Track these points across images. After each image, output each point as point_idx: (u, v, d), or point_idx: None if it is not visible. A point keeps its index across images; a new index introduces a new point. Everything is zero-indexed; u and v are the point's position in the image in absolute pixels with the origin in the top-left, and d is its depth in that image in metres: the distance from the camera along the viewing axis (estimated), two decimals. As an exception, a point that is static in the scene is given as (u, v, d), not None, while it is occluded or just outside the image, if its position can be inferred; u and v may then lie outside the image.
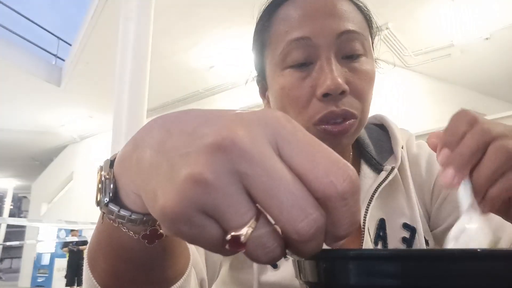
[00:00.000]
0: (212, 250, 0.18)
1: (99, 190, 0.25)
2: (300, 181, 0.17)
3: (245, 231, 0.17)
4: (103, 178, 0.25)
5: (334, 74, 0.46)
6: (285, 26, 0.50)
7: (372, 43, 0.55)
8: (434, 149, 0.34)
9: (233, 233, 0.17)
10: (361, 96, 0.49)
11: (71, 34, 7.29)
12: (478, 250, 0.17)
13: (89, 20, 5.40)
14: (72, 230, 7.10)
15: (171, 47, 5.68)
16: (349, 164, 0.17)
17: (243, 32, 5.19)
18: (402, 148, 0.58)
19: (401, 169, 0.57)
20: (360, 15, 0.52)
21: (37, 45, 7.88)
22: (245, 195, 0.17)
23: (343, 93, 0.46)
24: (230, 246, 0.17)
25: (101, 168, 0.26)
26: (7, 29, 7.13)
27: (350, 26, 0.48)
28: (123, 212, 0.24)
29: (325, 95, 0.46)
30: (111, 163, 0.25)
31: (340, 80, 0.46)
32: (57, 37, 8.67)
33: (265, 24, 0.54)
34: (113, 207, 0.24)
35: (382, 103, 5.15)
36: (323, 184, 0.17)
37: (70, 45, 7.07)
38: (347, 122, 0.47)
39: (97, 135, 9.55)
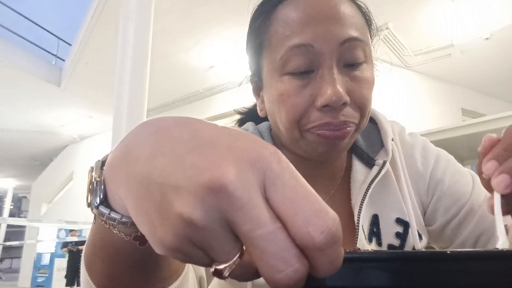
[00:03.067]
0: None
1: (90, 191, 0.25)
2: (285, 231, 0.17)
3: (227, 267, 0.18)
4: (93, 180, 0.25)
5: (336, 85, 0.44)
6: (285, 29, 0.48)
7: (371, 43, 0.54)
8: (484, 152, 0.35)
9: (216, 267, 0.18)
10: (361, 105, 0.48)
11: (72, 34, 7.29)
12: (469, 250, 0.17)
13: (89, 20, 5.40)
14: (71, 230, 7.10)
15: (171, 47, 5.68)
16: (332, 214, 0.17)
17: (243, 32, 5.18)
18: (392, 140, 0.57)
19: (392, 162, 0.56)
20: (361, 17, 0.50)
21: (37, 45, 7.89)
22: (231, 235, 0.18)
23: (343, 104, 0.45)
24: (214, 275, 0.19)
25: (92, 169, 0.26)
26: (7, 29, 7.14)
27: (353, 33, 0.47)
28: (113, 215, 0.24)
29: (325, 106, 0.45)
30: (102, 164, 0.25)
31: (342, 92, 0.44)
32: (57, 37, 8.68)
33: (263, 24, 0.52)
34: (103, 210, 0.24)
35: (382, 103, 5.15)
36: (301, 234, 0.17)
37: (70, 45, 7.08)
38: (346, 129, 0.46)
39: (97, 135, 9.55)
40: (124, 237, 0.26)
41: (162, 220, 0.18)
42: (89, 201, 0.25)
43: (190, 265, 0.37)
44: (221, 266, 0.18)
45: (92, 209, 0.25)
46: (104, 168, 0.25)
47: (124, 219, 0.24)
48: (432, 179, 0.57)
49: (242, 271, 0.19)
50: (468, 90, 6.23)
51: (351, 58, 0.47)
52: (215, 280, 0.55)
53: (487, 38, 4.83)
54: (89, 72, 6.54)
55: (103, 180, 0.24)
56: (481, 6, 4.37)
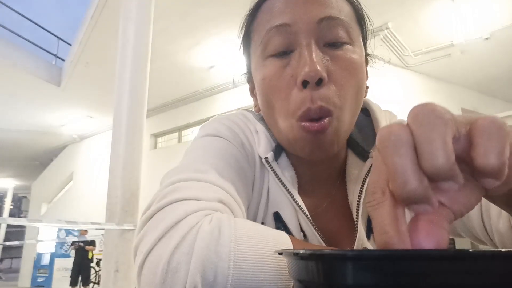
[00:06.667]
0: None
1: None
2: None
3: None
4: None
5: (313, 60, 0.43)
6: (267, 16, 0.49)
7: (365, 43, 0.52)
8: None
9: None
10: (342, 87, 0.45)
11: (72, 34, 7.30)
12: (470, 250, 0.17)
13: (89, 20, 5.41)
14: (81, 230, 7.08)
15: (171, 47, 5.69)
16: None
17: (243, 32, 5.19)
18: None
19: None
20: (348, 7, 0.49)
21: (37, 45, 7.90)
22: None
23: (321, 81, 0.43)
24: None
25: None
26: (7, 29, 7.14)
27: (333, 13, 0.46)
28: None
29: (304, 83, 0.44)
30: None
31: (318, 67, 0.43)
32: (57, 37, 8.68)
33: (250, 18, 0.53)
34: None
35: (382, 103, 5.14)
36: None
37: (70, 45, 7.08)
38: (323, 121, 0.44)
39: (97, 135, 9.56)
40: None
41: None
42: None
43: None
44: None
45: None
46: None
47: None
48: None
49: None
50: (468, 90, 6.23)
51: (331, 37, 0.46)
52: None
53: (487, 38, 4.83)
54: (89, 72, 6.55)
55: None
56: (481, 6, 4.37)
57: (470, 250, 0.17)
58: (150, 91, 3.58)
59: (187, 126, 7.96)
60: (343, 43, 0.46)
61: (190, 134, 7.98)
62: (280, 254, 0.26)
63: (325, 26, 0.46)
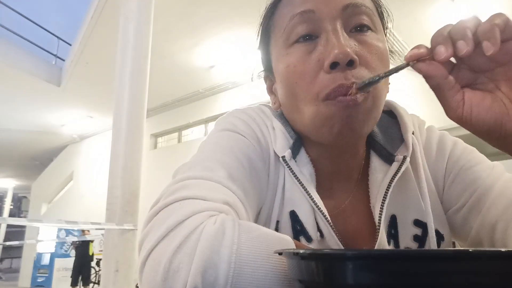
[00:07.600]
0: None
1: None
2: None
3: None
4: None
5: (342, 43, 0.43)
6: (289, 7, 0.48)
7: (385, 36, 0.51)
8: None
9: None
10: (373, 71, 0.44)
11: (72, 34, 7.30)
12: (470, 250, 0.17)
13: (89, 20, 5.41)
14: (83, 230, 7.05)
15: (171, 47, 5.68)
16: None
17: (244, 32, 5.19)
18: (413, 134, 0.54)
19: (412, 157, 0.52)
20: (370, 2, 0.49)
21: (37, 45, 7.89)
22: None
23: (351, 64, 0.42)
24: None
25: None
26: (7, 29, 7.14)
27: (357, 0, 0.46)
28: None
29: (333, 65, 0.42)
30: None
31: (348, 49, 0.42)
32: (57, 37, 8.68)
33: (270, 12, 0.52)
34: None
35: (382, 103, 5.14)
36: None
37: (70, 45, 7.08)
38: (358, 95, 0.42)
39: (97, 135, 9.56)
40: None
41: None
42: None
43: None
44: None
45: None
46: None
47: None
48: (450, 160, 0.54)
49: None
50: (468, 90, 6.23)
51: (356, 22, 0.46)
52: None
53: (487, 38, 4.83)
54: (89, 72, 6.55)
55: None
56: (481, 6, 4.38)
57: (470, 250, 0.17)
58: (150, 91, 3.57)
59: (187, 126, 7.96)
60: (369, 29, 0.46)
61: (190, 134, 7.98)
62: (280, 254, 0.26)
63: (350, 13, 0.45)
